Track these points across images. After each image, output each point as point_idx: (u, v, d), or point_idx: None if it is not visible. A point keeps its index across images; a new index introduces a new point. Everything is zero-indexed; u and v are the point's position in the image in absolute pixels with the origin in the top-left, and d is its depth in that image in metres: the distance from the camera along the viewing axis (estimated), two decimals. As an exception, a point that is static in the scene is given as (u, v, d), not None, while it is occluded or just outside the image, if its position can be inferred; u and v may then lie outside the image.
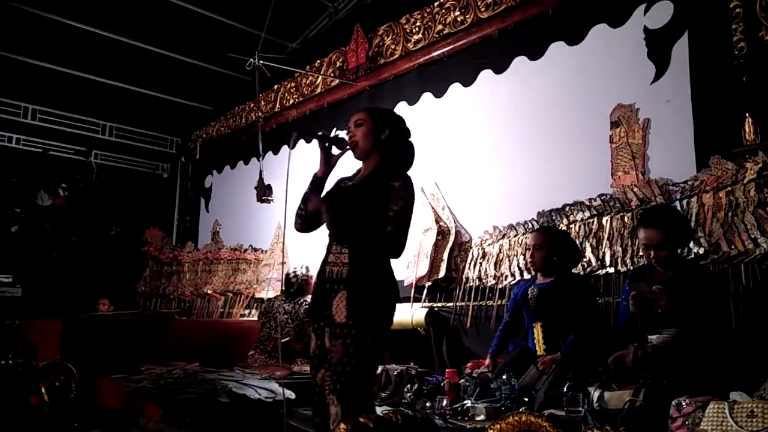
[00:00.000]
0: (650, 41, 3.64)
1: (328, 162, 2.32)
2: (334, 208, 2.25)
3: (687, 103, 3.42)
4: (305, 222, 2.34)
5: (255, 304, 6.01)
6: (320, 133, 2.37)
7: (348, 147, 2.31)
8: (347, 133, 2.32)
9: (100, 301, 6.49)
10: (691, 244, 3.12)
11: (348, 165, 2.40)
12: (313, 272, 4.66)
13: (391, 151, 2.30)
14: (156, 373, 3.72)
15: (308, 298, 4.52)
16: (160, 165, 8.14)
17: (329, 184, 2.37)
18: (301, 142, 6.11)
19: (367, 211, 2.18)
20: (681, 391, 2.19)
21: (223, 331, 5.17)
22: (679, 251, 2.82)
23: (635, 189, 3.49)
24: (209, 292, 6.54)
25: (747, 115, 3.11)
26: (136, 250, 7.36)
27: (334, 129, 5.74)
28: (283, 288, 4.86)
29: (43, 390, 3.43)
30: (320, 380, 2.20)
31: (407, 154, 2.37)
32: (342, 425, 2.11)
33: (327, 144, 2.32)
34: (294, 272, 4.70)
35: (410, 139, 2.40)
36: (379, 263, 2.19)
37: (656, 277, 2.71)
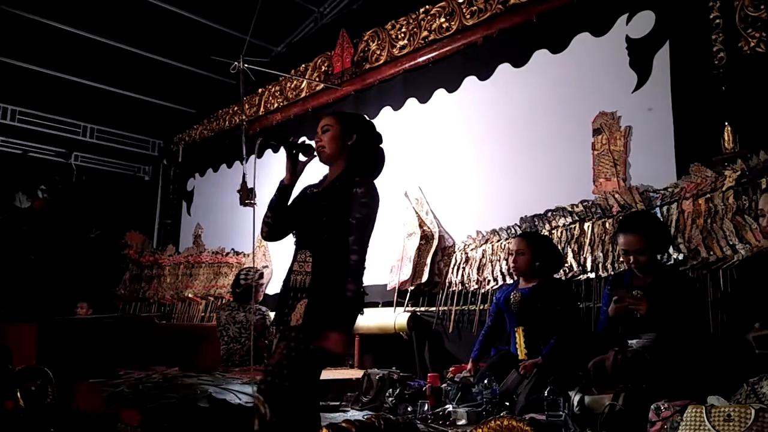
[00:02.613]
0: (632, 50, 3.69)
1: (295, 169, 2.27)
2: (299, 216, 2.22)
3: (668, 111, 3.48)
4: (272, 231, 2.28)
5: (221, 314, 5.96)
6: (290, 140, 2.34)
7: (314, 154, 2.27)
8: (315, 138, 2.28)
9: (79, 304, 6.38)
10: (671, 250, 3.16)
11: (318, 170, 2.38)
12: (266, 279, 4.62)
13: (358, 156, 2.24)
14: (135, 378, 3.67)
15: (259, 306, 4.48)
16: (142, 167, 8.07)
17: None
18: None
19: (330, 218, 2.13)
20: (660, 396, 2.21)
21: (204, 335, 5.12)
22: (658, 257, 2.86)
23: (616, 195, 3.53)
24: (190, 295, 6.48)
25: (726, 123, 3.16)
26: (116, 254, 7.28)
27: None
28: (231, 287, 4.70)
29: (19, 395, 3.37)
30: None
31: (375, 160, 2.29)
32: (324, 430, 2.09)
33: (293, 151, 2.27)
34: (246, 273, 4.55)
35: (381, 146, 2.33)
36: (343, 272, 2.09)
37: (636, 282, 2.74)
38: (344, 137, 2.23)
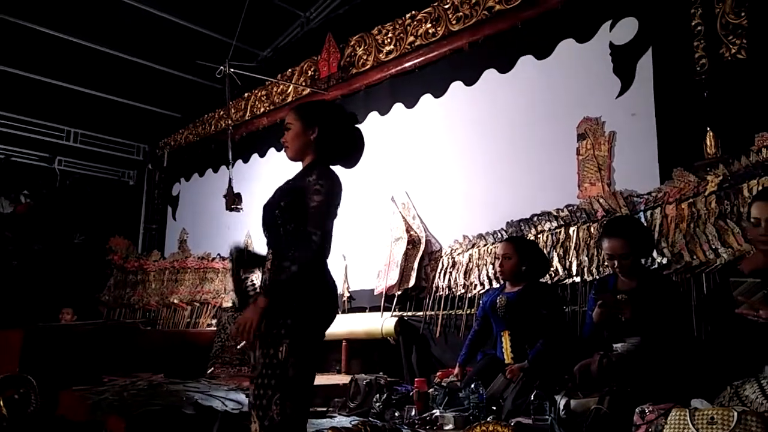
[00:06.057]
0: (616, 56, 3.73)
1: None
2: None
3: (651, 116, 3.52)
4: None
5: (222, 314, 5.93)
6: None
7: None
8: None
9: (63, 310, 6.32)
10: (655, 254, 3.19)
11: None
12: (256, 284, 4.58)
13: (325, 148, 2.11)
14: (120, 385, 3.64)
15: None
16: (126, 172, 8.00)
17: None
18: (272, 151, 6.10)
19: (283, 210, 2.01)
20: (644, 399, 2.23)
21: (190, 341, 5.09)
22: (642, 261, 2.88)
23: (601, 200, 3.56)
24: (175, 301, 6.43)
25: (708, 129, 3.21)
26: (100, 259, 7.20)
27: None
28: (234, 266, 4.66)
29: (1, 403, 3.33)
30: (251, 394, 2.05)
31: (345, 146, 2.15)
32: (309, 440, 2.07)
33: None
34: (246, 244, 4.33)
35: (355, 126, 2.18)
36: (305, 268, 1.95)
37: (621, 286, 2.77)
38: (306, 132, 2.11)
